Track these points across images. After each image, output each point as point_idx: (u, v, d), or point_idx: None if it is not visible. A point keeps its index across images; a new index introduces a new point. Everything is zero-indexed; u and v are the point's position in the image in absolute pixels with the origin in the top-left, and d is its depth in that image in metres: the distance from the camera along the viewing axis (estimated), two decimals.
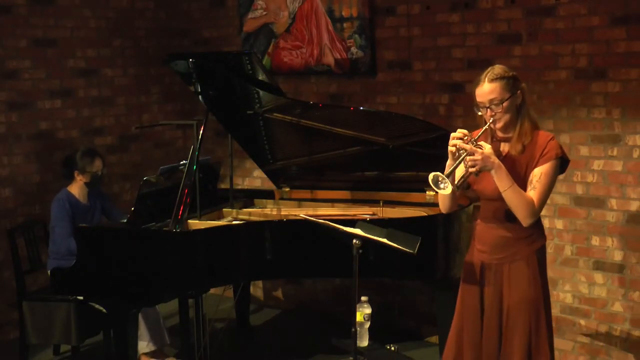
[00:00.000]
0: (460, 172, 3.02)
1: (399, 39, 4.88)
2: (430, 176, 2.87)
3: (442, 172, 2.91)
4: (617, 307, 4.24)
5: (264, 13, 5.50)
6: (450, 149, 2.98)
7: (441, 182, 2.87)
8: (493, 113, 3.00)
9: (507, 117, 3.02)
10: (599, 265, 4.27)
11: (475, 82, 3.06)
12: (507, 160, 3.04)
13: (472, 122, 4.56)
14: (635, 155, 4.08)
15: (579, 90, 4.22)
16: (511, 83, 3.01)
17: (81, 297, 4.18)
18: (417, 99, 4.87)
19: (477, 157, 2.91)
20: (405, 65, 4.88)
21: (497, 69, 3.03)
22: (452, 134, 3.01)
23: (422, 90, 4.84)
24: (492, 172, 2.94)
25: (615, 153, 4.14)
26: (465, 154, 2.93)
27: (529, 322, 3.07)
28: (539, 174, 2.98)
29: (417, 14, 4.78)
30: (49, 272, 4.43)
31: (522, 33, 4.36)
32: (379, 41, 4.97)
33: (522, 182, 3.00)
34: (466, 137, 2.98)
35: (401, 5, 4.83)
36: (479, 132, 3.06)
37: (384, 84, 5.01)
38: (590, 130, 4.20)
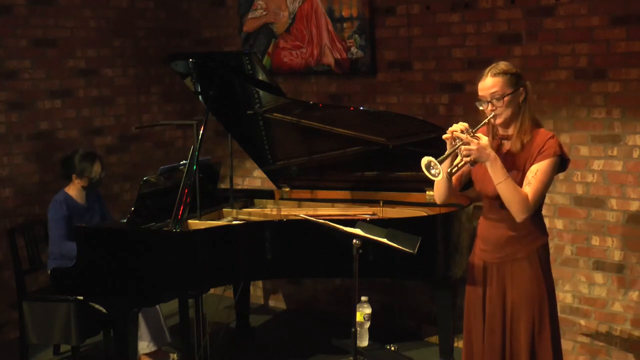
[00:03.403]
0: (454, 160, 3.02)
1: (399, 39, 4.88)
2: (424, 160, 2.87)
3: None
4: (617, 307, 4.24)
5: (264, 13, 5.50)
6: (446, 136, 2.98)
7: (433, 167, 2.86)
8: (494, 107, 3.00)
9: (507, 112, 3.01)
10: (599, 265, 4.27)
11: (479, 77, 3.06)
12: (506, 157, 3.04)
13: (472, 122, 4.60)
14: (635, 155, 4.08)
15: (579, 90, 4.22)
16: (514, 79, 3.01)
17: (81, 297, 4.17)
18: (417, 99, 4.86)
19: (473, 147, 2.91)
20: (405, 65, 4.88)
21: (502, 64, 3.04)
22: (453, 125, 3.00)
23: (422, 90, 4.84)
24: (487, 164, 2.94)
25: (615, 153, 4.14)
26: (460, 143, 2.93)
27: (532, 320, 3.07)
28: (535, 170, 2.98)
29: (417, 14, 4.78)
30: (49, 272, 4.43)
31: (522, 33, 4.36)
32: (379, 41, 4.97)
33: (520, 179, 3.01)
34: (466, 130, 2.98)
35: (401, 5, 4.83)
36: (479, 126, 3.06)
37: (384, 84, 5.00)
38: (590, 130, 4.20)
